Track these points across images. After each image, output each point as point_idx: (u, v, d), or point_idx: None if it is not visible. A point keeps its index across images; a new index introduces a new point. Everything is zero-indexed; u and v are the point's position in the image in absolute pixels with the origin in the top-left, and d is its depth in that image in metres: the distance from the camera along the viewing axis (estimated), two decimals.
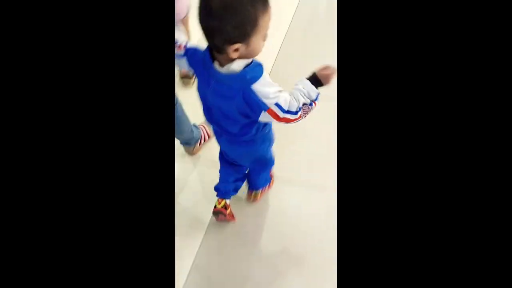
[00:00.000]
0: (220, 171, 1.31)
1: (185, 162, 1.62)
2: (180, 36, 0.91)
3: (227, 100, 0.84)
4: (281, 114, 0.84)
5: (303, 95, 0.87)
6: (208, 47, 0.82)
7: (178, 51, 0.91)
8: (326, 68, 0.90)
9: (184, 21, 1.10)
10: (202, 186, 1.55)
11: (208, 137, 1.65)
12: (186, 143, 1.56)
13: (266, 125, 1.00)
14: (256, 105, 0.81)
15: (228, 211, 1.33)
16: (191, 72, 0.94)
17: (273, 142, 1.15)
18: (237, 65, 0.79)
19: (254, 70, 0.80)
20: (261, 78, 0.80)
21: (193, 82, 1.80)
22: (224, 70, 0.80)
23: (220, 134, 1.05)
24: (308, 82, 0.88)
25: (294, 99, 0.85)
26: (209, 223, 1.42)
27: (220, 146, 1.14)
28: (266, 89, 0.81)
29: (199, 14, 0.74)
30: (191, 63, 0.90)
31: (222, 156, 1.27)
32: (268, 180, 1.43)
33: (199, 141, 1.60)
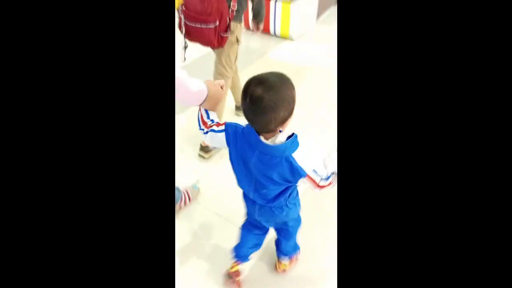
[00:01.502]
0: (242, 235, 1.32)
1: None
2: (215, 117, 1.06)
3: (270, 168, 0.93)
4: (317, 179, 0.93)
5: (332, 163, 0.95)
6: (251, 128, 0.90)
7: (218, 127, 1.01)
8: None
9: (213, 106, 1.08)
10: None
11: (189, 200, 1.66)
12: None
13: (295, 190, 1.10)
14: (297, 171, 0.90)
15: (238, 278, 1.36)
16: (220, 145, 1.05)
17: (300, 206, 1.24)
18: (282, 138, 0.90)
19: (295, 141, 0.90)
20: (294, 149, 0.90)
21: (210, 156, 1.89)
22: (269, 142, 0.90)
23: (253, 203, 1.12)
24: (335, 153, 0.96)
25: (324, 167, 0.94)
26: None
27: (254, 215, 1.19)
28: (304, 157, 0.91)
29: (249, 113, 0.85)
30: (229, 137, 0.98)
31: (249, 222, 1.30)
32: (297, 247, 1.41)
33: (179, 203, 1.62)
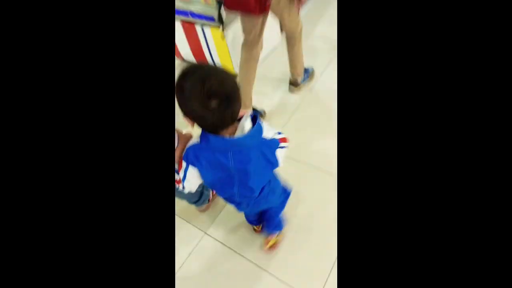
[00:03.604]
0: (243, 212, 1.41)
1: None
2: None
3: (252, 159, 0.91)
4: (285, 137, 0.99)
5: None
6: (209, 135, 0.86)
7: (183, 168, 0.93)
8: None
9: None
10: None
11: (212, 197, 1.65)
12: (195, 203, 1.53)
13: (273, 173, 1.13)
14: (273, 143, 0.94)
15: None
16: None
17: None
18: (247, 123, 0.88)
19: (259, 122, 0.91)
20: (263, 127, 0.92)
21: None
22: (239, 134, 0.88)
23: (240, 204, 1.13)
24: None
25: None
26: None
27: (246, 211, 1.28)
28: (268, 132, 0.94)
29: (218, 112, 0.78)
30: (194, 161, 0.91)
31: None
32: (282, 223, 1.42)
33: (209, 199, 1.60)
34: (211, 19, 2.12)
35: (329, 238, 1.43)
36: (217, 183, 0.98)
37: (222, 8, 1.64)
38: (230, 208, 1.63)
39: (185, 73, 0.78)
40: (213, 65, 0.82)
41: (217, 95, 0.76)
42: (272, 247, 1.42)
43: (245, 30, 1.68)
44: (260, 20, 1.60)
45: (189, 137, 0.98)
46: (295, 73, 2.06)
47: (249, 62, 1.78)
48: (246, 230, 1.54)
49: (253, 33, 1.65)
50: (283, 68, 2.16)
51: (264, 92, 2.15)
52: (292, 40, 1.87)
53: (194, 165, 0.91)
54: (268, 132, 0.94)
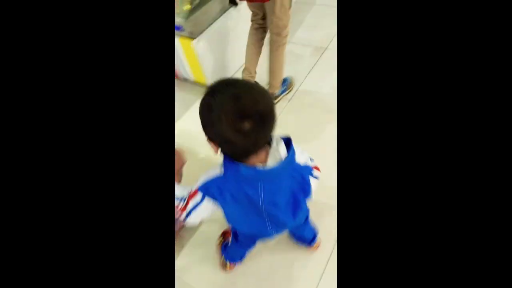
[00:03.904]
0: (235, 250, 1.27)
1: None
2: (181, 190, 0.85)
3: (283, 190, 0.81)
4: (317, 165, 0.89)
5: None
6: (239, 165, 0.74)
7: (194, 198, 0.82)
8: None
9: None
10: None
11: (178, 228, 1.48)
12: None
13: None
14: (306, 170, 0.84)
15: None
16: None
17: None
18: (282, 148, 0.77)
19: (293, 148, 0.79)
20: (295, 150, 0.80)
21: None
22: (272, 162, 0.76)
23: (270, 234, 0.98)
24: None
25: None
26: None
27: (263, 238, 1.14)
28: (301, 157, 0.84)
29: (255, 133, 0.67)
30: (217, 196, 0.80)
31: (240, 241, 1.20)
32: (313, 235, 1.29)
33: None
34: (178, 28, 1.96)
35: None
36: (243, 217, 0.86)
37: None
38: (196, 241, 1.47)
39: (213, 90, 0.68)
40: (245, 81, 0.75)
41: (251, 115, 0.65)
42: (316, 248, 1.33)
43: (252, 13, 1.78)
44: (264, 5, 1.64)
45: (180, 152, 0.87)
46: (273, 83, 1.90)
47: (258, 28, 1.82)
48: (214, 269, 1.37)
49: (258, 17, 1.75)
50: (260, 78, 1.99)
51: None
52: (276, 43, 1.74)
53: (215, 200, 0.80)
54: (300, 157, 0.83)
